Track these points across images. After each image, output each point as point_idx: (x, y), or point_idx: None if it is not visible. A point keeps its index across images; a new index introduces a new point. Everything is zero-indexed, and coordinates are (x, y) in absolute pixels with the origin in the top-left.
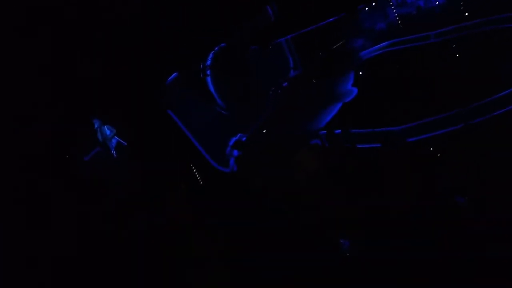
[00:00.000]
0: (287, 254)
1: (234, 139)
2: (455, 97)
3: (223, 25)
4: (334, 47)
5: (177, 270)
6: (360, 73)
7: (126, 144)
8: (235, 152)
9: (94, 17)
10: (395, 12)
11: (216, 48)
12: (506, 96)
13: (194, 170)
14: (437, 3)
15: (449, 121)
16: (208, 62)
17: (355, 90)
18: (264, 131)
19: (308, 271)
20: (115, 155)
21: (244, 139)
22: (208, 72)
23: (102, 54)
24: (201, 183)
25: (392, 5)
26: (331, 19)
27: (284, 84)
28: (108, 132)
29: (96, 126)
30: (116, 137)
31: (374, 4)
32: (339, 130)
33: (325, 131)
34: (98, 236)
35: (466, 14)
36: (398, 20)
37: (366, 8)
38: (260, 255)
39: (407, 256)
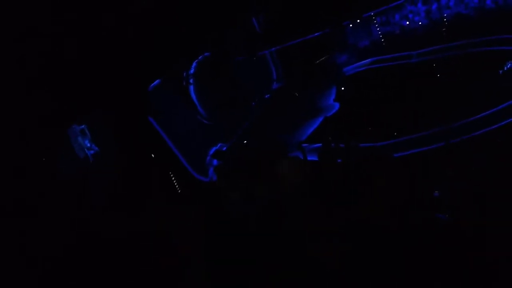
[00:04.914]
0: (267, 262)
1: (214, 148)
2: (437, 116)
3: (208, 34)
4: (318, 61)
5: (157, 276)
6: (342, 88)
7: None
8: (215, 162)
9: (75, 22)
10: (379, 31)
11: (200, 57)
12: (488, 116)
13: (173, 178)
14: (420, 23)
15: (430, 138)
16: (192, 71)
17: (336, 105)
18: (245, 141)
19: (288, 280)
20: (91, 159)
21: (224, 149)
22: (191, 80)
23: (84, 58)
24: (179, 191)
25: (376, 24)
26: (315, 34)
27: (266, 96)
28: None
29: (79, 128)
30: (94, 144)
31: (358, 21)
32: (320, 144)
33: (306, 144)
34: (77, 239)
35: (449, 36)
36: (382, 38)
37: (351, 25)
38: (240, 263)
39: (390, 269)
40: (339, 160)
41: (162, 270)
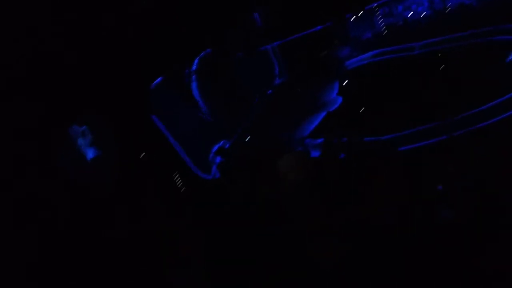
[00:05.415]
0: (269, 261)
1: (217, 145)
2: (440, 108)
3: (210, 30)
4: (320, 55)
5: (158, 274)
6: (345, 82)
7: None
8: (218, 159)
9: (75, 22)
10: (381, 23)
11: (202, 54)
12: (492, 108)
13: (175, 176)
14: (423, 14)
15: (434, 131)
16: (194, 68)
17: (340, 99)
18: (248, 138)
19: (289, 279)
20: (92, 158)
21: (227, 146)
22: (193, 77)
23: (84, 58)
24: (183, 189)
25: (378, 16)
26: (318, 28)
27: (269, 92)
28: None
29: (80, 129)
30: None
31: (361, 14)
32: (323, 139)
33: (309, 140)
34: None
35: (452, 27)
36: (384, 30)
37: (353, 18)
38: (240, 263)
39: (392, 267)
40: (342, 155)
41: (162, 270)
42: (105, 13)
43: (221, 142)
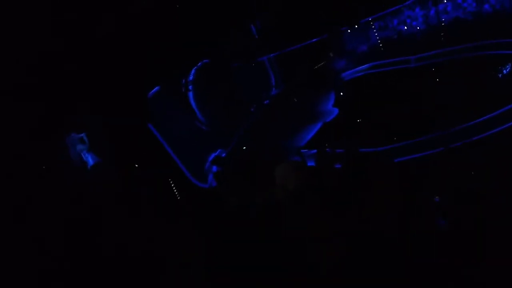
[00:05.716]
0: (266, 268)
1: (213, 154)
2: (436, 121)
3: (207, 41)
4: (316, 67)
5: (156, 280)
6: (341, 93)
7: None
8: (214, 168)
9: (76, 27)
10: (376, 36)
11: (199, 64)
12: (487, 121)
13: (172, 185)
14: (418, 28)
15: (430, 143)
16: (191, 78)
17: (336, 110)
18: (244, 147)
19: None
20: (89, 164)
21: (223, 155)
22: (190, 87)
23: (83, 65)
24: (179, 197)
25: (374, 29)
26: (314, 40)
27: (265, 102)
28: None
29: (78, 136)
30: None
31: (356, 26)
32: (317, 150)
33: (305, 150)
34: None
35: (447, 41)
36: (380, 43)
37: (349, 31)
38: (239, 269)
39: (389, 274)
40: (338, 165)
41: (162, 277)
42: (105, 13)
43: (218, 151)
